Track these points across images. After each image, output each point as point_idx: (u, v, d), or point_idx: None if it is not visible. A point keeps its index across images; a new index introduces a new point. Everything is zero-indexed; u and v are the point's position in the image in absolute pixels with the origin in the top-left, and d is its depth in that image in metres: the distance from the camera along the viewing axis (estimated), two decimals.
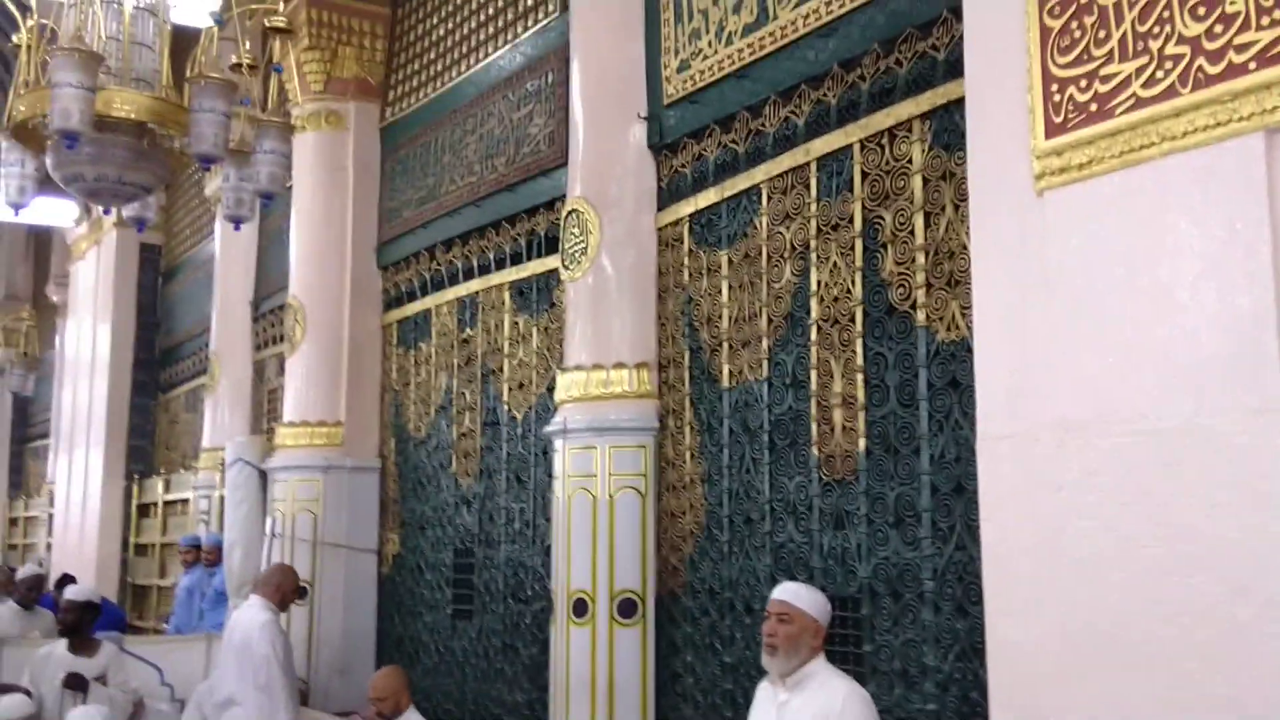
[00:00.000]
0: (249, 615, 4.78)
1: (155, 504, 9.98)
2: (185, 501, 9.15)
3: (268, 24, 5.30)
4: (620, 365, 4.48)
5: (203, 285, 9.43)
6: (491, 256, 5.82)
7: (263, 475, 6.89)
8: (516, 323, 5.59)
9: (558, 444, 4.60)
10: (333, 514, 6.50)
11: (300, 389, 6.74)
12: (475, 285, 5.94)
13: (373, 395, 6.80)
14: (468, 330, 6.00)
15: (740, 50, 4.15)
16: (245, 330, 8.37)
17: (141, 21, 4.89)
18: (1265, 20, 1.74)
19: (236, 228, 5.72)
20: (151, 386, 10.98)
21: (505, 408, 5.58)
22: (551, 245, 5.22)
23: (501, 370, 5.65)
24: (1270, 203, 1.74)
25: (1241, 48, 1.78)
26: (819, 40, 3.81)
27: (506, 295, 5.67)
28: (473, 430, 5.86)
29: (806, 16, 3.84)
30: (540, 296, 5.42)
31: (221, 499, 7.57)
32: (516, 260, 5.61)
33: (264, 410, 8.13)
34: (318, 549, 6.42)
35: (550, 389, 4.98)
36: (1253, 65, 1.76)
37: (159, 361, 11.00)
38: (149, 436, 10.89)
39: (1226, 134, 1.80)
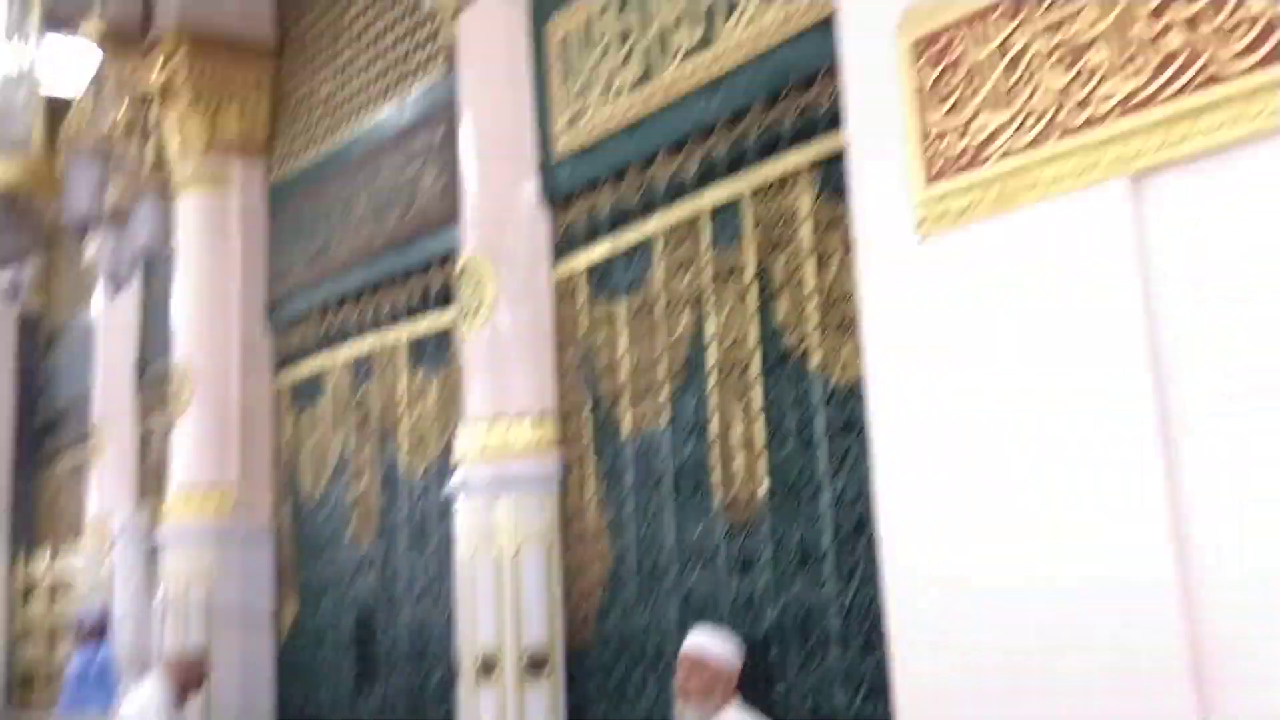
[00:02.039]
0: (143, 698, 4.58)
1: (41, 580, 9.54)
2: (72, 576, 8.77)
3: (146, 85, 5.20)
4: (521, 418, 4.46)
5: (85, 353, 9.12)
6: (386, 313, 5.77)
7: (152, 545, 6.65)
8: (413, 379, 5.53)
9: (459, 500, 4.55)
10: (226, 583, 6.29)
11: (189, 455, 6.54)
12: (370, 343, 5.87)
13: (265, 459, 6.63)
14: (363, 388, 5.92)
15: (629, 105, 4.22)
16: (130, 397, 8.11)
17: (10, 89, 4.76)
18: (1123, 73, 1.85)
19: (116, 293, 5.55)
20: (34, 458, 10.54)
21: (404, 466, 5.50)
22: (447, 299, 5.19)
23: (399, 428, 5.58)
24: (1136, 243, 1.83)
25: (1104, 97, 1.89)
26: (706, 94, 3.90)
27: (403, 352, 5.62)
28: (371, 490, 5.75)
29: (693, 72, 3.93)
30: (437, 352, 5.38)
31: (110, 571, 7.27)
32: (412, 316, 5.57)
33: (151, 478, 7.86)
34: (211, 620, 6.21)
35: (450, 445, 4.93)
36: (1115, 115, 1.86)
37: (41, 432, 10.56)
38: (32, 510, 10.43)
39: (1093, 180, 1.90)
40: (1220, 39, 1.72)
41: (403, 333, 5.61)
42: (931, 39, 2.18)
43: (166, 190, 6.86)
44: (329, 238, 6.23)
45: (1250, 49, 1.68)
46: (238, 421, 6.57)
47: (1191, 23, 1.76)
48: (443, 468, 5.10)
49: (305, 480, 6.37)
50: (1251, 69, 1.67)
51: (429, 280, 5.44)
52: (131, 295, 7.81)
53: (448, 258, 5.15)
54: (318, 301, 6.29)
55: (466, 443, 4.54)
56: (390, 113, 5.82)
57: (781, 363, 3.60)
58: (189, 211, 6.69)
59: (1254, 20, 1.68)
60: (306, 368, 6.43)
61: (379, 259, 5.74)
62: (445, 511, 4.96)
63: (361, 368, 5.95)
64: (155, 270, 7.62)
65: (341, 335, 6.13)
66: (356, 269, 5.93)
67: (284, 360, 6.67)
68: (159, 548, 6.57)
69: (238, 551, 6.36)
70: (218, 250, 6.76)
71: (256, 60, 6.98)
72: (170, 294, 6.97)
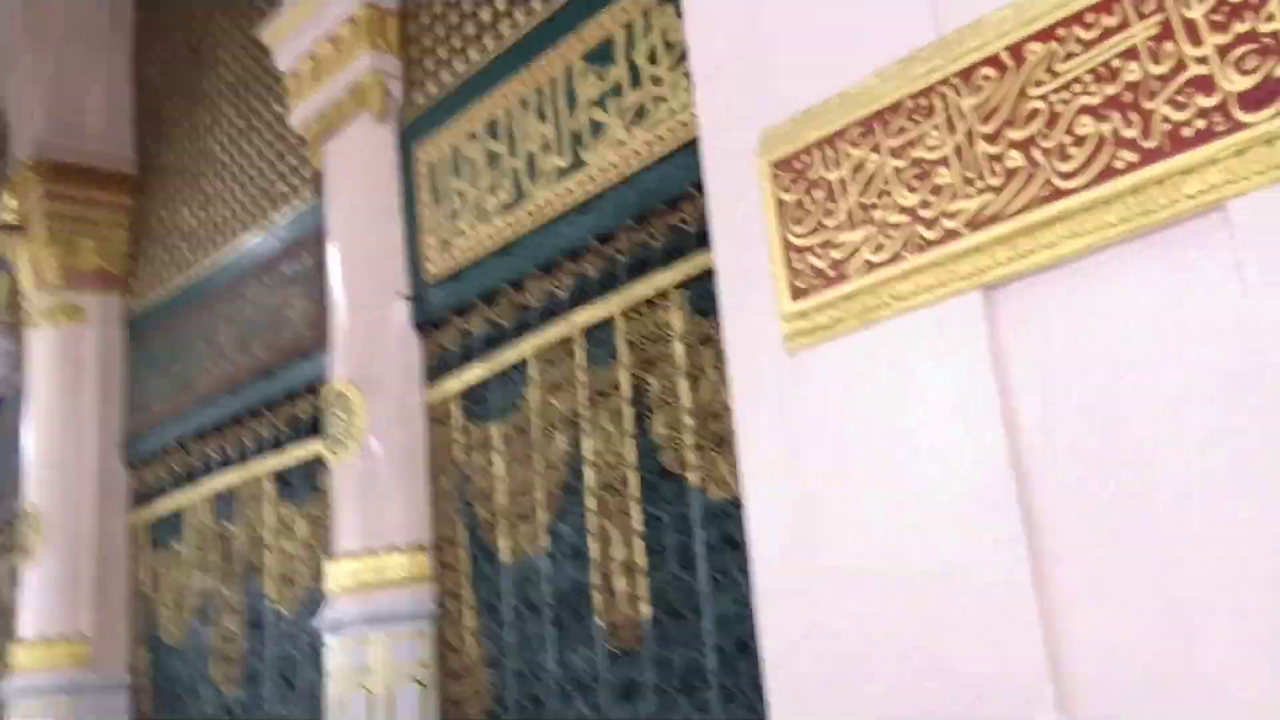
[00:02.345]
0: None
1: None
2: None
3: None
4: (394, 550, 4.33)
5: None
6: (251, 445, 5.58)
7: (0, 700, 6.18)
8: (280, 513, 5.33)
9: (329, 639, 4.35)
10: None
11: (38, 603, 6.14)
12: (234, 476, 5.66)
13: (121, 604, 6.28)
14: (226, 525, 5.67)
15: (500, 228, 4.24)
16: None
17: None
18: (968, 191, 1.93)
19: None
20: None
21: (270, 605, 5.25)
22: (316, 430, 5.06)
23: (265, 565, 5.34)
24: (993, 352, 1.89)
25: (952, 214, 1.96)
26: (576, 217, 3.95)
27: (268, 485, 5.42)
28: (234, 633, 5.47)
29: (561, 195, 3.99)
30: (305, 484, 5.20)
31: None
32: (278, 447, 5.40)
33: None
34: None
35: (319, 581, 4.74)
36: (964, 230, 1.94)
37: None
38: None
39: (948, 293, 1.96)
40: (1055, 158, 1.81)
41: (268, 465, 5.43)
42: (790, 160, 2.25)
43: (14, 326, 6.60)
44: (191, 369, 6.04)
45: (1082, 168, 1.78)
46: (92, 564, 6.23)
47: (1027, 143, 1.85)
48: (312, 604, 4.89)
49: (164, 624, 6.03)
50: (1085, 186, 1.77)
51: (296, 410, 5.30)
52: None
53: (316, 386, 5.04)
54: (178, 435, 6.07)
55: (336, 578, 4.37)
56: (256, 240, 5.73)
57: (659, 481, 3.59)
58: (41, 347, 6.44)
59: (1083, 141, 1.78)
60: (166, 505, 6.15)
61: (244, 389, 5.58)
62: (314, 651, 4.74)
63: (224, 503, 5.72)
64: (4, 408, 7.26)
65: (204, 469, 5.90)
66: (220, 400, 5.75)
67: (142, 498, 6.38)
68: (6, 704, 6.10)
69: (92, 704, 5.96)
70: (71, 386, 6.51)
71: (117, 190, 6.85)
72: (20, 432, 6.63)
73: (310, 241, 5.23)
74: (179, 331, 6.22)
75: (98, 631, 6.12)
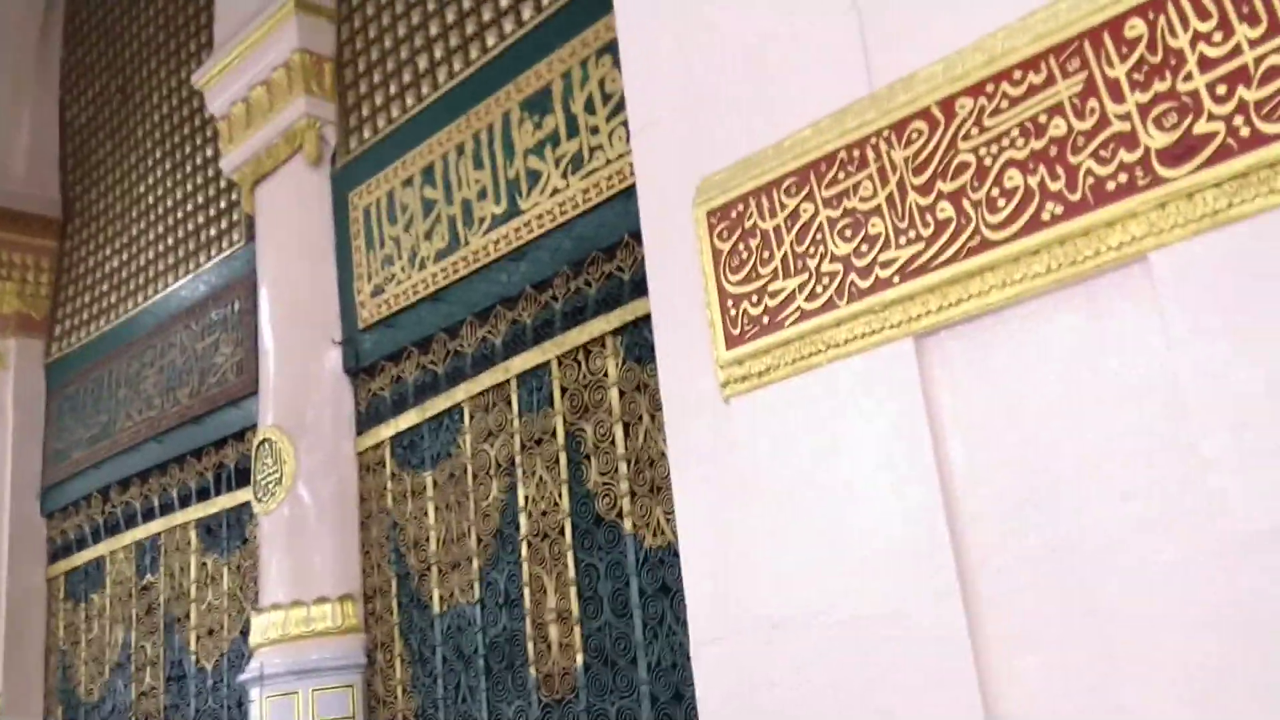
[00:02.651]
0: None
1: None
2: None
3: None
4: (322, 600, 4.23)
5: None
6: (175, 494, 5.45)
7: None
8: (204, 564, 5.20)
9: (254, 693, 4.23)
10: None
11: None
12: (157, 526, 5.51)
13: (35, 659, 6.05)
14: (148, 576, 5.51)
15: (434, 274, 4.22)
16: None
17: None
18: (900, 240, 1.97)
19: None
20: None
21: (193, 658, 5.10)
22: (243, 478, 4.95)
23: (188, 617, 5.20)
24: (925, 400, 1.91)
25: (886, 264, 1.99)
26: (511, 264, 3.95)
27: (193, 534, 5.29)
28: (155, 687, 5.30)
29: (497, 242, 3.98)
30: (231, 533, 5.09)
31: None
32: (204, 496, 5.27)
33: None
34: None
35: (245, 633, 4.62)
36: (896, 279, 1.97)
37: None
38: None
39: (881, 340, 1.98)
40: (984, 209, 1.85)
41: (193, 514, 5.30)
42: (726, 209, 2.28)
43: None
44: (115, 416, 5.90)
45: (1010, 219, 1.82)
46: (3, 618, 6.00)
47: (957, 195, 1.89)
48: (236, 658, 4.76)
49: (81, 680, 5.82)
50: (1012, 237, 1.81)
51: (223, 458, 5.19)
52: None
53: (244, 433, 4.94)
54: (99, 484, 5.90)
55: (262, 630, 4.26)
56: (185, 285, 5.63)
57: (594, 528, 3.56)
58: None
59: (1011, 193, 1.82)
60: (85, 556, 5.96)
61: (169, 436, 5.46)
62: (240, 706, 4.60)
63: (147, 554, 5.56)
64: None
65: (126, 519, 5.74)
66: (144, 447, 5.61)
67: (60, 549, 6.18)
68: None
69: None
70: None
71: (40, 233, 6.70)
72: None
73: (240, 286, 5.16)
74: (103, 377, 6.07)
75: (9, 689, 5.89)
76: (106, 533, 5.87)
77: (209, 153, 5.69)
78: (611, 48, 3.61)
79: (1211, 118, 1.62)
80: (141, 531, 5.61)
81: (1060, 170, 1.77)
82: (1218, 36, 1.64)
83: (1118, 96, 1.73)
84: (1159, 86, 1.69)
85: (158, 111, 6.19)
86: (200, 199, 5.72)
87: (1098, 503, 1.68)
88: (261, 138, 4.88)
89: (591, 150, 3.70)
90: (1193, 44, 1.66)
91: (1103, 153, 1.73)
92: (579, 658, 3.50)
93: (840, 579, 1.98)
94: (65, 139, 6.96)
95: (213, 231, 5.57)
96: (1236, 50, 1.62)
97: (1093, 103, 1.75)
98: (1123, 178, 1.70)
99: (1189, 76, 1.66)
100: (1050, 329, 1.79)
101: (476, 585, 3.91)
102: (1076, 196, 1.75)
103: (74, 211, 6.75)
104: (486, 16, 4.22)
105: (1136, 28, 1.72)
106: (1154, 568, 1.60)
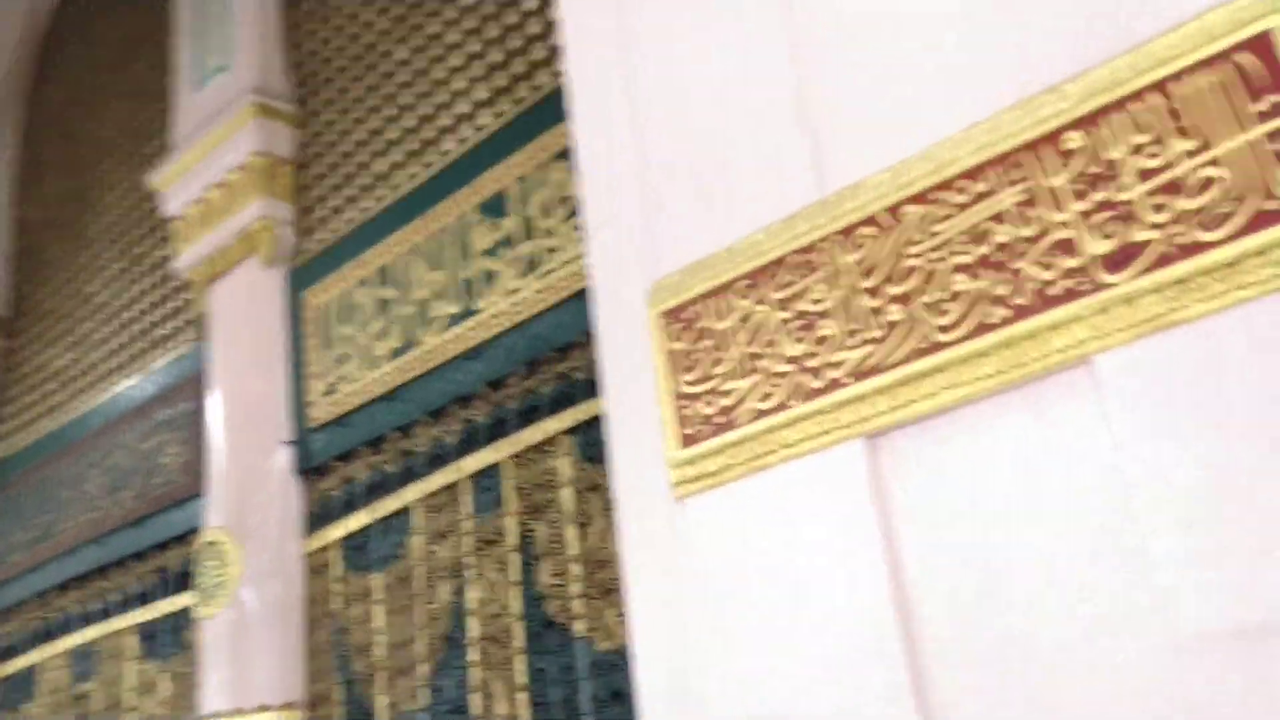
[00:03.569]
0: None
1: None
2: None
3: None
4: (264, 709, 4.10)
5: None
6: (115, 598, 5.29)
7: None
8: (143, 670, 5.03)
9: None
10: None
11: None
12: (94, 632, 5.34)
13: None
14: (84, 685, 5.32)
15: (388, 374, 4.20)
16: None
17: None
18: (851, 342, 2.00)
19: None
20: None
21: None
22: (184, 582, 4.83)
23: None
24: (877, 498, 1.92)
25: (836, 365, 2.02)
26: (466, 363, 3.94)
27: (131, 640, 5.12)
28: None
29: (453, 341, 3.98)
30: (170, 639, 4.93)
31: None
32: (145, 601, 5.13)
33: None
34: None
35: None
36: (848, 380, 1.99)
37: None
38: None
39: (832, 440, 2.00)
40: (931, 313, 1.89)
41: (132, 619, 5.14)
42: (679, 310, 2.30)
43: None
44: (56, 518, 5.75)
45: (957, 322, 1.86)
46: None
47: (905, 298, 1.93)
48: None
49: None
50: (961, 340, 1.84)
51: (165, 561, 5.06)
52: None
53: (188, 535, 4.84)
54: (36, 588, 5.73)
55: None
56: (132, 385, 5.56)
57: (545, 631, 3.50)
58: None
59: (959, 296, 1.86)
60: (16, 664, 5.75)
61: (110, 539, 5.32)
62: None
63: (82, 660, 5.37)
64: None
65: (61, 625, 5.56)
66: (83, 550, 5.47)
67: None
68: None
69: None
70: None
71: None
72: None
73: (188, 387, 5.10)
74: (45, 478, 5.93)
75: None
76: (41, 639, 5.67)
77: (161, 253, 5.67)
78: (567, 153, 3.68)
79: (1150, 226, 1.68)
80: (78, 637, 5.42)
81: (1005, 275, 1.82)
82: (1154, 149, 1.70)
83: (1059, 205, 1.78)
84: (1097, 196, 1.75)
85: (112, 211, 6.18)
86: (152, 299, 5.68)
87: (1050, 602, 1.68)
88: (216, 237, 4.89)
89: (547, 252, 3.74)
90: (1131, 155, 1.73)
91: (1046, 259, 1.78)
92: None
93: (796, 681, 1.95)
94: (17, 236, 6.92)
95: (163, 331, 5.52)
96: (1172, 163, 1.68)
97: (1035, 210, 1.81)
98: (1066, 283, 1.75)
99: (1124, 188, 1.72)
100: (1000, 429, 1.81)
101: (424, 692, 3.81)
102: (1023, 300, 1.79)
103: (22, 310, 6.68)
104: (445, 122, 4.29)
105: (1075, 140, 1.79)
106: (1106, 669, 1.60)
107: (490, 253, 3.94)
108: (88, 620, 5.40)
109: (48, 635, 5.64)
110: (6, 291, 6.75)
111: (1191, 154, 1.66)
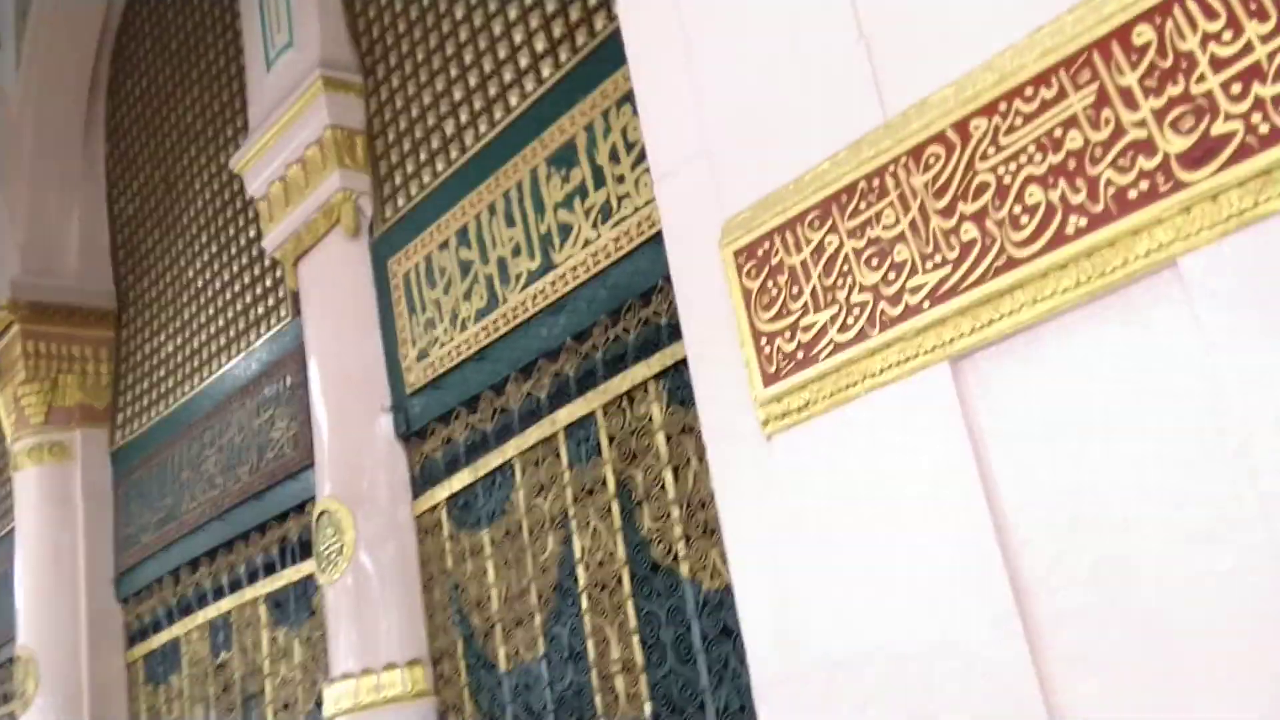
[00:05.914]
0: None
1: None
2: None
3: None
4: (391, 666, 4.25)
5: None
6: (243, 571, 5.52)
7: None
8: (275, 638, 5.25)
9: None
10: None
11: None
12: (227, 604, 5.58)
13: None
14: (222, 654, 5.58)
15: (476, 334, 4.26)
16: None
17: None
18: (927, 265, 1.96)
19: None
20: None
21: None
22: (306, 550, 5.01)
23: (263, 692, 5.25)
24: (965, 422, 1.89)
25: (914, 290, 1.98)
26: (550, 317, 3.97)
27: (262, 610, 5.35)
28: None
29: (534, 297, 4.02)
30: (299, 606, 5.13)
31: None
32: (270, 571, 5.34)
33: None
34: None
35: (319, 704, 4.64)
36: (926, 304, 1.95)
37: None
38: None
39: (916, 366, 1.97)
40: (1008, 228, 1.84)
41: (261, 589, 5.36)
42: (752, 248, 2.28)
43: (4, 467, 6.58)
44: (178, 499, 6.00)
45: (1035, 235, 1.80)
46: (88, 706, 6.10)
47: (979, 216, 1.88)
48: None
49: None
50: (1039, 253, 1.79)
51: (286, 531, 5.25)
52: None
53: (304, 506, 5.00)
54: (169, 567, 6.00)
55: (335, 701, 4.28)
56: (237, 364, 5.74)
57: (651, 575, 3.55)
58: (28, 487, 6.39)
59: (1034, 209, 1.80)
60: (160, 639, 6.05)
61: (231, 515, 5.54)
62: None
63: (219, 632, 5.63)
64: None
65: (197, 599, 5.83)
66: (209, 527, 5.70)
67: (136, 633, 6.28)
68: None
69: None
70: (60, 524, 6.44)
71: (97, 325, 6.87)
72: (11, 576, 6.55)
73: (290, 361, 5.24)
74: (165, 461, 6.18)
75: None
76: (180, 614, 5.95)
77: (251, 233, 5.81)
78: (631, 97, 3.64)
79: (1229, 118, 1.60)
80: (213, 610, 5.68)
81: (1081, 183, 1.75)
82: (1227, 36, 1.62)
83: (1131, 104, 1.71)
84: (1172, 91, 1.67)
85: (200, 197, 6.34)
86: (246, 279, 5.84)
87: (1149, 516, 1.64)
88: (300, 214, 4.98)
89: (619, 199, 3.73)
90: (1203, 45, 1.64)
91: (1122, 162, 1.71)
92: (647, 708, 3.48)
93: (896, 612, 1.95)
94: (115, 231, 7.15)
95: (260, 310, 5.67)
96: (1248, 48, 1.60)
97: (1107, 113, 1.74)
98: (1144, 185, 1.68)
99: (1202, 78, 1.64)
100: (1085, 342, 1.76)
101: (541, 641, 3.90)
102: (1099, 208, 1.73)
103: (128, 301, 6.92)
104: (508, 77, 4.29)
105: (1144, 34, 1.71)
106: (1210, 578, 1.56)
107: (564, 205, 3.95)
108: (220, 593, 5.65)
109: (185, 610, 5.92)
110: (111, 286, 6.99)
111: (1267, 37, 1.57)
